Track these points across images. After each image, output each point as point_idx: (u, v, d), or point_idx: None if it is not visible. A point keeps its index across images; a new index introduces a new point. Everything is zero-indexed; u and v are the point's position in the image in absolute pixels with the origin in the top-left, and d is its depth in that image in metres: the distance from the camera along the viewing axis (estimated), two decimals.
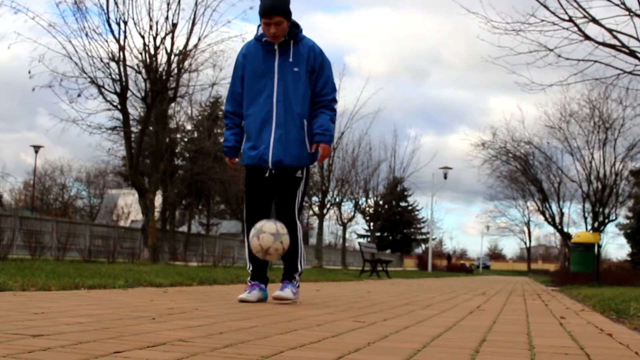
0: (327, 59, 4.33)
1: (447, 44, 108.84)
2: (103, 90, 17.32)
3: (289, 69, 4.18)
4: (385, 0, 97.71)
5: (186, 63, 18.39)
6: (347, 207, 36.35)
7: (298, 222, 4.30)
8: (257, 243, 4.01)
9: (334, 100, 4.34)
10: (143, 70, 17.75)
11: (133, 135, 19.29)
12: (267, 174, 4.19)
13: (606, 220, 28.92)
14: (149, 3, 17.61)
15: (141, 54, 17.62)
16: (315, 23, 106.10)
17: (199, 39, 18.21)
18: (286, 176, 4.24)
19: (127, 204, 45.89)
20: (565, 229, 33.09)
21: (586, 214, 28.95)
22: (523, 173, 32.54)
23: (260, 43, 4.23)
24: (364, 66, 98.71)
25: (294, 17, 4.24)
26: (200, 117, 32.31)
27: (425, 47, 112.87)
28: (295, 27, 4.21)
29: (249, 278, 4.43)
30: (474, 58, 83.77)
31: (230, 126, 4.38)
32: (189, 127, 32.29)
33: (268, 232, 4.00)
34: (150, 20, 17.57)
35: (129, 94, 17.81)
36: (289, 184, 4.26)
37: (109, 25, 17.27)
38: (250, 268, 4.37)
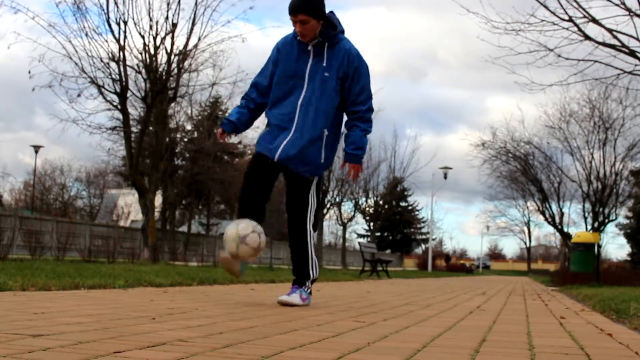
0: (365, 64, 4.06)
1: (444, 44, 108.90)
2: (103, 90, 17.34)
3: (320, 73, 3.97)
4: (381, 0, 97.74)
5: (186, 63, 18.40)
6: (347, 207, 36.43)
7: (310, 228, 4.10)
8: (234, 231, 3.88)
9: (370, 110, 4.10)
10: (143, 70, 17.76)
11: (133, 135, 19.29)
12: (269, 161, 4.02)
13: (606, 220, 28.91)
14: (149, 3, 17.63)
15: (141, 54, 17.63)
16: None
17: (199, 39, 18.22)
18: (296, 180, 4.09)
19: (127, 204, 45.88)
20: (565, 229, 33.09)
21: (586, 214, 28.95)
22: (523, 173, 32.53)
23: (295, 41, 4.03)
24: None
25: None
26: (200, 117, 32.30)
27: (421, 46, 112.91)
28: (332, 29, 3.98)
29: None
30: (471, 57, 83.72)
31: (242, 105, 4.20)
32: (189, 127, 32.30)
33: (246, 221, 3.91)
34: (150, 20, 17.59)
35: (129, 94, 17.82)
36: (299, 188, 4.09)
37: (109, 25, 17.29)
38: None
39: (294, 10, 3.87)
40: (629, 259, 41.44)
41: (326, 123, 4.02)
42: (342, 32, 4.06)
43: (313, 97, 3.98)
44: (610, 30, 12.06)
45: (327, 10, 4.00)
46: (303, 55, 4.00)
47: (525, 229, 57.45)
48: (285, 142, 3.98)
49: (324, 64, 3.98)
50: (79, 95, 17.27)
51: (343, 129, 4.22)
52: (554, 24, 12.35)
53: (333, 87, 3.99)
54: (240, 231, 3.85)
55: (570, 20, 12.15)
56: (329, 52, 3.99)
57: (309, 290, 4.14)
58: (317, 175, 4.13)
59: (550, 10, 12.25)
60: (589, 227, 28.22)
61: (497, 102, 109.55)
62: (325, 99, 3.99)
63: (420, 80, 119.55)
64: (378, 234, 52.05)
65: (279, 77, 4.06)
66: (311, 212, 4.12)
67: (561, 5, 12.11)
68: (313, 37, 3.95)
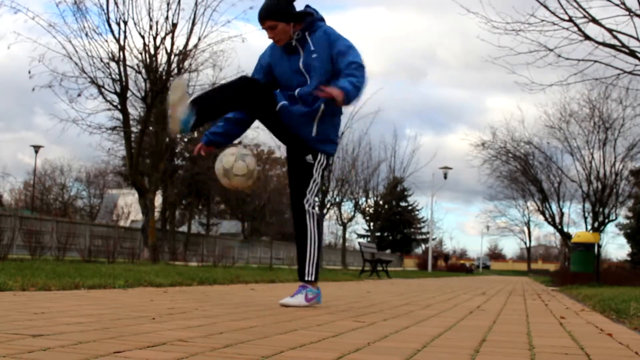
0: (337, 34, 4.02)
1: (444, 44, 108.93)
2: (103, 90, 17.34)
3: (312, 60, 3.97)
4: (381, 0, 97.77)
5: (186, 63, 18.40)
6: (347, 207, 36.39)
7: (308, 207, 4.00)
8: (219, 166, 3.85)
9: (357, 65, 3.90)
10: (143, 70, 17.76)
11: (133, 135, 19.29)
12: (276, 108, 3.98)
13: (606, 220, 28.89)
14: (149, 3, 17.65)
15: (141, 54, 17.63)
16: None
17: (199, 39, 18.22)
18: (297, 158, 4.05)
19: (127, 204, 45.90)
20: (565, 229, 33.08)
21: (586, 214, 28.93)
22: (523, 173, 32.52)
23: (281, 47, 4.05)
24: None
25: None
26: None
27: (421, 46, 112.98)
28: (308, 16, 4.00)
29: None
30: (470, 57, 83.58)
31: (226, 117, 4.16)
32: None
33: (228, 152, 3.87)
34: (150, 20, 17.59)
35: (129, 94, 17.82)
36: (300, 168, 4.04)
37: (109, 25, 17.29)
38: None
39: (260, 20, 3.96)
40: (629, 259, 41.45)
41: (324, 99, 3.94)
42: (322, 19, 4.08)
43: (312, 77, 3.97)
44: (610, 30, 12.06)
45: (300, 8, 4.02)
46: (293, 56, 4.01)
47: (525, 229, 57.51)
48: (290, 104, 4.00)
49: (312, 48, 3.98)
50: (79, 95, 17.29)
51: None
52: (554, 24, 12.35)
53: (326, 60, 3.96)
54: (225, 164, 3.84)
55: (570, 20, 12.15)
56: (313, 38, 3.99)
57: (316, 289, 4.02)
58: (320, 160, 4.05)
59: (550, 10, 12.25)
60: (589, 227, 28.21)
61: (497, 102, 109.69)
62: (322, 71, 3.96)
63: (420, 80, 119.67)
64: (378, 234, 52.04)
65: (280, 81, 4.08)
66: (309, 191, 4.03)
67: (561, 5, 12.11)
68: (288, 39, 3.97)
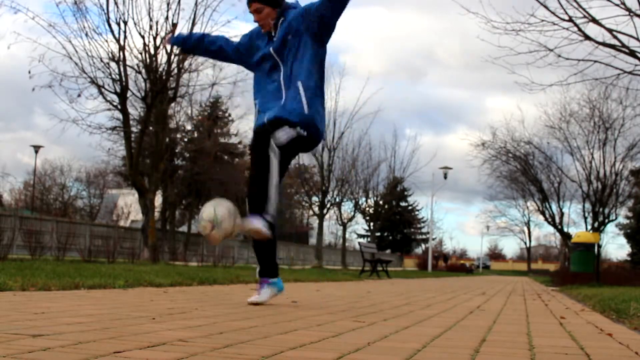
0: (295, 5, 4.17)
1: (443, 44, 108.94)
2: (103, 90, 17.32)
3: (287, 41, 4.05)
4: (380, 0, 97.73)
5: (186, 63, 18.38)
6: (347, 207, 36.37)
7: (273, 154, 3.95)
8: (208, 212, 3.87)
9: None
10: (143, 70, 17.75)
11: (133, 135, 19.29)
12: (263, 127, 4.04)
13: (606, 220, 28.89)
14: (149, 3, 17.62)
15: (141, 54, 17.62)
16: None
17: None
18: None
19: (127, 204, 45.90)
20: (565, 229, 33.08)
21: (586, 214, 28.93)
22: (523, 173, 32.52)
23: (264, 34, 4.18)
24: (359, 66, 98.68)
25: None
26: (200, 117, 32.32)
27: (420, 46, 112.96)
28: (283, 3, 4.11)
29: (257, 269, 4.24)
30: (470, 57, 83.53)
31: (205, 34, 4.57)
32: (189, 127, 32.31)
33: (203, 221, 3.88)
34: (150, 20, 17.57)
35: (129, 94, 17.81)
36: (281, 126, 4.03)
37: (109, 25, 17.28)
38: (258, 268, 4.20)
39: (247, 2, 4.11)
40: (629, 259, 41.45)
41: (306, 81, 4.02)
42: (294, 6, 4.17)
43: (293, 67, 4.04)
44: (610, 30, 12.06)
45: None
46: (270, 41, 4.13)
47: (525, 229, 57.48)
48: (276, 109, 4.04)
49: (287, 30, 4.06)
50: (79, 95, 17.27)
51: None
52: (554, 24, 12.35)
53: (303, 41, 4.02)
54: (218, 215, 3.84)
55: (570, 20, 12.15)
56: (285, 20, 4.09)
57: (270, 221, 3.95)
58: (304, 129, 4.02)
59: (550, 10, 12.25)
60: (589, 227, 28.20)
61: (497, 102, 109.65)
62: (304, 58, 4.02)
63: (419, 80, 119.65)
64: (378, 234, 52.05)
65: (258, 65, 4.18)
66: (282, 138, 3.97)
67: (561, 5, 12.11)
68: (271, 25, 4.11)
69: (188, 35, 4.68)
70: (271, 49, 4.10)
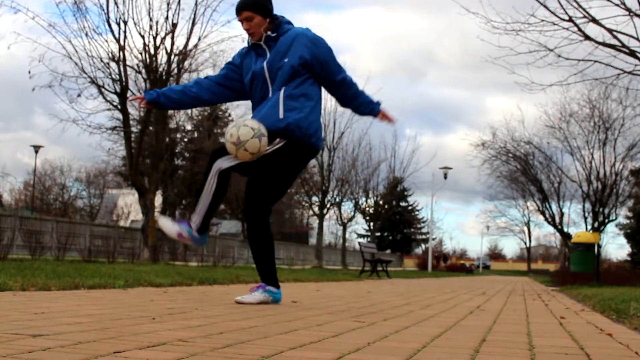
0: (320, 40, 4.07)
1: (442, 43, 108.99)
2: (103, 90, 17.33)
3: (278, 63, 4.00)
4: (379, 0, 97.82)
5: (186, 63, 18.39)
6: (347, 207, 36.38)
7: (214, 167, 3.98)
8: (235, 132, 3.82)
9: (347, 77, 4.19)
10: (143, 70, 17.75)
11: (133, 135, 19.29)
12: None
13: (606, 220, 28.89)
14: (149, 3, 17.61)
15: (141, 54, 17.62)
16: (307, 22, 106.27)
17: (199, 39, 18.20)
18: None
19: (127, 204, 45.87)
20: (565, 229, 33.08)
21: (586, 214, 28.93)
22: (523, 173, 32.52)
23: (251, 49, 4.12)
24: (359, 66, 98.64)
25: (289, 16, 4.16)
26: (200, 117, 32.32)
27: (420, 46, 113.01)
28: (278, 19, 4.07)
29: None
30: (470, 57, 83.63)
31: (187, 85, 4.31)
32: (189, 127, 32.34)
33: (250, 125, 3.84)
34: (150, 20, 17.57)
35: (129, 94, 17.82)
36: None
37: (109, 25, 17.27)
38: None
39: (238, 10, 4.03)
40: (629, 259, 41.45)
41: (285, 91, 3.99)
42: (289, 22, 4.14)
43: (280, 85, 4.01)
44: (610, 30, 12.06)
45: (280, 14, 4.11)
46: (260, 58, 4.08)
47: (525, 229, 57.48)
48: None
49: (282, 53, 4.01)
50: (79, 95, 17.27)
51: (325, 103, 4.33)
52: (554, 24, 12.35)
53: (296, 70, 3.99)
54: (242, 136, 3.81)
55: (570, 20, 12.14)
56: (282, 40, 4.03)
57: (194, 226, 4.08)
58: (284, 137, 3.98)
59: (550, 10, 12.25)
60: (589, 227, 28.21)
61: (497, 102, 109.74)
62: (290, 81, 3.99)
63: (419, 80, 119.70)
64: (378, 234, 52.06)
65: (249, 86, 4.13)
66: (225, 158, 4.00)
67: (561, 5, 12.11)
68: (261, 35, 4.03)
69: (166, 90, 4.33)
70: (264, 64, 4.02)
